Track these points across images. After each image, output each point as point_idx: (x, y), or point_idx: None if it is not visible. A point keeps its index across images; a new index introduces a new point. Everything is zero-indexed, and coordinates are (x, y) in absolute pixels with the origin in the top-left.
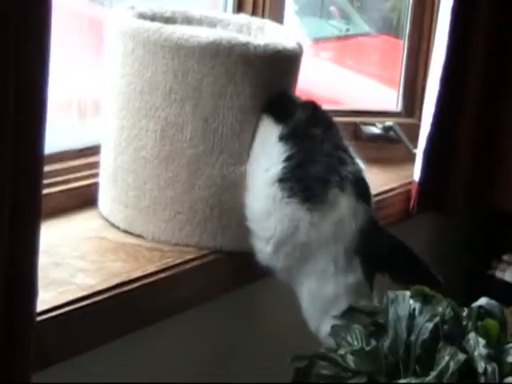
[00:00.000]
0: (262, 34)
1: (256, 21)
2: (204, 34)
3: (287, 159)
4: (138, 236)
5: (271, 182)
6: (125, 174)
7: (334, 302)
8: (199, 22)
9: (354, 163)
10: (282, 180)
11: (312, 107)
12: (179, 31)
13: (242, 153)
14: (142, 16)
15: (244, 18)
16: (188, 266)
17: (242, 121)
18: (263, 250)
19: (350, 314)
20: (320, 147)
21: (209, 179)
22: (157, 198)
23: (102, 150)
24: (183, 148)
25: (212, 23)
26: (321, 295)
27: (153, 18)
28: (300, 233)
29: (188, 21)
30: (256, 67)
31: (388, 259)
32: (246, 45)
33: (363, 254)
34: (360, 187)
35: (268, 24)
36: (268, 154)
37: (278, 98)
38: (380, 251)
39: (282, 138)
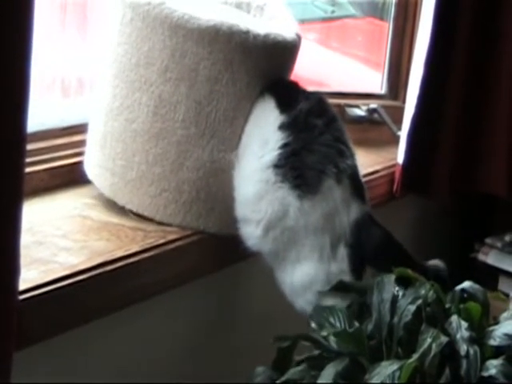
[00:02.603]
0: (262, 14)
1: (260, 2)
2: (205, 17)
3: (283, 146)
4: (121, 208)
5: (265, 167)
6: (114, 142)
7: (311, 287)
8: None
9: (354, 158)
10: (276, 166)
11: (317, 99)
12: (180, 11)
13: (233, 140)
14: None
15: None
16: (171, 246)
17: (235, 108)
18: (253, 233)
19: (338, 289)
20: (319, 138)
21: (197, 162)
22: (144, 172)
23: (93, 112)
24: (174, 127)
25: None
26: (300, 278)
27: None
28: (289, 217)
29: None
30: (254, 56)
31: (379, 255)
32: (245, 33)
33: (352, 246)
34: (357, 182)
35: (268, 4)
36: (265, 141)
37: (284, 86)
38: (371, 246)
39: (282, 127)
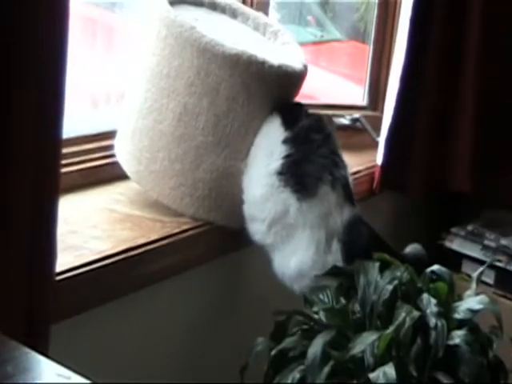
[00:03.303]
0: (276, 39)
1: (273, 24)
2: (229, 45)
3: (286, 157)
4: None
5: (271, 174)
6: (142, 137)
7: (308, 274)
8: (223, 9)
9: (346, 169)
10: (279, 173)
11: (316, 118)
12: (208, 36)
13: (244, 151)
14: None
15: (263, 17)
16: (184, 234)
17: (248, 125)
18: (259, 229)
19: (332, 273)
20: (317, 150)
21: (212, 165)
22: (166, 167)
23: (127, 105)
24: (195, 134)
25: (234, 14)
26: (297, 267)
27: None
28: (289, 216)
29: (213, 7)
30: (268, 83)
31: (367, 249)
32: (262, 63)
33: (345, 242)
34: (348, 189)
35: (282, 31)
36: (271, 152)
37: (289, 107)
38: (361, 242)
39: (286, 141)
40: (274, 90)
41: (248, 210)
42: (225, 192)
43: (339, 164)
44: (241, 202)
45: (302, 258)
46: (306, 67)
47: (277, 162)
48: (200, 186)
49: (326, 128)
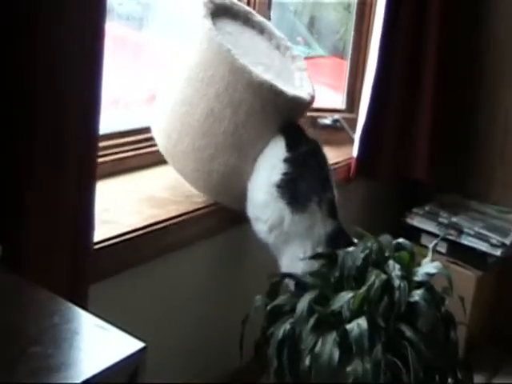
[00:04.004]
0: (292, 63)
1: (292, 49)
2: (256, 72)
3: (285, 174)
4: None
5: (271, 185)
6: (175, 120)
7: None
8: (253, 25)
9: (333, 191)
10: (278, 186)
11: (315, 145)
12: (241, 62)
13: (252, 158)
14: (216, 6)
15: (285, 40)
16: (198, 212)
17: (260, 137)
18: (262, 229)
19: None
20: (311, 174)
21: (226, 162)
22: (189, 152)
23: (163, 92)
24: (217, 133)
25: (261, 31)
26: (290, 267)
27: (223, 10)
28: (284, 224)
29: (247, 21)
30: (281, 108)
31: None
32: (280, 94)
33: (329, 248)
34: (332, 208)
35: (299, 57)
36: (272, 167)
37: (293, 129)
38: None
39: (286, 161)
40: (285, 113)
41: (252, 211)
42: (232, 184)
43: (327, 188)
44: (243, 193)
45: (291, 260)
46: (313, 98)
47: (277, 176)
48: (214, 176)
49: (322, 155)
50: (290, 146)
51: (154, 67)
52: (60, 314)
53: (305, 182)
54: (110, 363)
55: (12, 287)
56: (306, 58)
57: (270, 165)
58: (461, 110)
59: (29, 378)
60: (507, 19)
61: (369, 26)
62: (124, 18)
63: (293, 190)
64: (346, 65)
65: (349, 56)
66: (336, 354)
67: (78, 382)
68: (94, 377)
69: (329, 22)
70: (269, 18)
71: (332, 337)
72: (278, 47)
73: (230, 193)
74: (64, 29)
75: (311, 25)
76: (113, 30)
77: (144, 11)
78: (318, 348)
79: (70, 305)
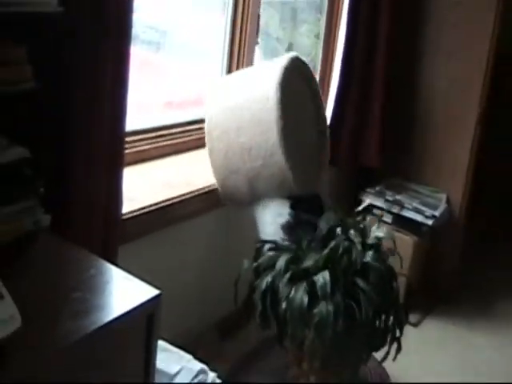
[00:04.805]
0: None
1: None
2: (289, 173)
3: (287, 221)
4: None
5: (278, 225)
6: (216, 121)
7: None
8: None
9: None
10: (282, 227)
11: (313, 200)
12: (281, 124)
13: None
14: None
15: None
16: (199, 191)
17: (272, 192)
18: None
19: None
20: (307, 227)
21: (242, 177)
22: (220, 155)
23: (214, 93)
24: (245, 158)
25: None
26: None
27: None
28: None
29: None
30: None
31: None
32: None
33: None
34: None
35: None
36: (280, 213)
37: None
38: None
39: (290, 214)
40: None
41: (264, 236)
42: (243, 191)
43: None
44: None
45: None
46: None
47: (282, 220)
48: (231, 181)
49: (316, 208)
50: (293, 207)
51: (167, 81)
52: (95, 268)
53: (302, 230)
54: (134, 305)
55: (58, 248)
56: None
57: (278, 211)
58: (406, 108)
59: (72, 318)
60: (441, 23)
61: (333, 50)
62: (146, 42)
63: (291, 233)
64: (318, 74)
65: (318, 71)
66: (305, 299)
67: (111, 318)
68: (122, 316)
69: (303, 46)
70: (257, 43)
71: (302, 286)
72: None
73: (239, 197)
74: (101, 55)
75: (290, 48)
76: (137, 52)
77: (161, 37)
78: (291, 295)
79: (103, 261)
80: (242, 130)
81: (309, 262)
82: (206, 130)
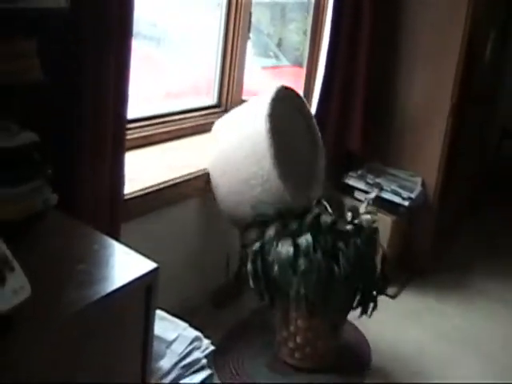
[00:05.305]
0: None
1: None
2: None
3: None
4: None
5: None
6: (216, 164)
7: None
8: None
9: None
10: None
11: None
12: (273, 154)
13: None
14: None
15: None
16: (191, 176)
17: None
18: None
19: None
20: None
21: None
22: (226, 170)
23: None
24: (243, 179)
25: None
26: None
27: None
28: None
29: (298, 111)
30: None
31: None
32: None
33: None
34: None
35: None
36: None
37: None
38: None
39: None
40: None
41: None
42: (248, 216)
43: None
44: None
45: None
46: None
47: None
48: (238, 212)
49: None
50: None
51: (167, 73)
52: (99, 243)
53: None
54: (133, 277)
55: (65, 225)
56: (276, 67)
57: None
58: (382, 97)
59: (76, 288)
60: (419, 15)
61: (319, 45)
62: (148, 38)
63: None
64: (304, 72)
65: (305, 65)
66: (291, 250)
67: (113, 289)
68: (123, 287)
69: (292, 42)
70: (248, 38)
71: (288, 241)
72: (308, 128)
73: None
74: (103, 48)
75: (280, 44)
76: (139, 47)
77: (161, 34)
78: (279, 248)
79: (107, 237)
80: (239, 167)
81: (294, 226)
82: (209, 171)
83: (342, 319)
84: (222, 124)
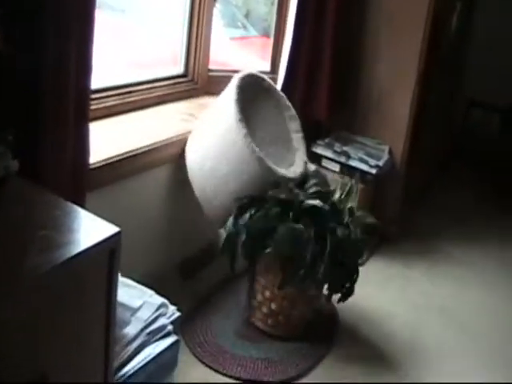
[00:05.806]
0: (290, 122)
1: (291, 110)
2: (266, 160)
3: None
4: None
5: None
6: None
7: None
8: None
9: None
10: None
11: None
12: (257, 154)
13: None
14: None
15: (286, 101)
16: (165, 143)
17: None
18: None
19: None
20: None
21: (222, 187)
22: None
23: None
24: (222, 177)
25: (273, 97)
26: None
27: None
28: None
29: (265, 91)
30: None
31: None
32: (281, 177)
33: None
34: None
35: (295, 118)
36: None
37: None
38: None
39: None
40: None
41: None
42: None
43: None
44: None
45: None
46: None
47: None
48: (216, 208)
49: None
50: None
51: (132, 43)
52: (61, 209)
53: None
54: (97, 241)
55: (26, 192)
56: (244, 37)
57: None
58: (349, 67)
59: (39, 253)
60: None
61: (286, 16)
62: (113, 8)
63: None
64: (271, 42)
65: (272, 36)
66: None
67: (76, 252)
68: (86, 250)
69: (260, 13)
70: (214, 6)
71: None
72: (278, 106)
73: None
74: (66, 17)
75: (248, 15)
76: (103, 17)
77: (126, 3)
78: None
79: (69, 203)
80: (216, 167)
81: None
82: (189, 176)
83: (318, 290)
84: (195, 133)
